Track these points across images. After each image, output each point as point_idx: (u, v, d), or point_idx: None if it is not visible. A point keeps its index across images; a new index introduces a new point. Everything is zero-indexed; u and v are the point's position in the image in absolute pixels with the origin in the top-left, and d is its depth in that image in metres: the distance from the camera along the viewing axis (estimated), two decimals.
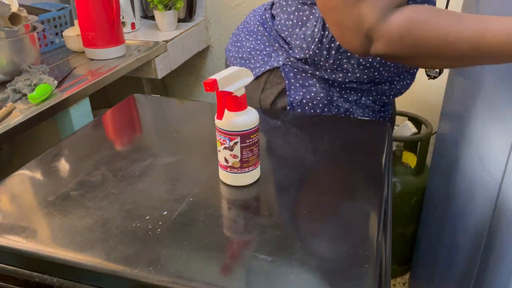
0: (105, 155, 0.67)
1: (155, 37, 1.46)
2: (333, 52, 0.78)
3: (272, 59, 0.87)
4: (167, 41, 1.42)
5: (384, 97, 0.87)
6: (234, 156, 0.56)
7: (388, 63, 0.80)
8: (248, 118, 0.55)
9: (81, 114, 1.06)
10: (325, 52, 0.79)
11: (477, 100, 0.83)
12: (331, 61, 0.80)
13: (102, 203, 0.55)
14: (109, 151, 0.68)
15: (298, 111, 0.84)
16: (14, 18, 1.01)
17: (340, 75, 0.81)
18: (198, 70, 1.81)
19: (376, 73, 0.81)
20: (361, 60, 0.79)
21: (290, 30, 0.82)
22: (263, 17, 0.90)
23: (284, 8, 0.83)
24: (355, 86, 0.83)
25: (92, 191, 0.57)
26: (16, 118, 0.89)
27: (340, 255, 0.46)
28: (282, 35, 0.85)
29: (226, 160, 0.57)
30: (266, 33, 0.88)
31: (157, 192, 0.57)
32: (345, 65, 0.80)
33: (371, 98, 0.85)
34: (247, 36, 0.92)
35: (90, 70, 1.17)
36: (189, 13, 1.61)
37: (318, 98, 0.83)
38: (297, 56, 0.82)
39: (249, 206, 0.55)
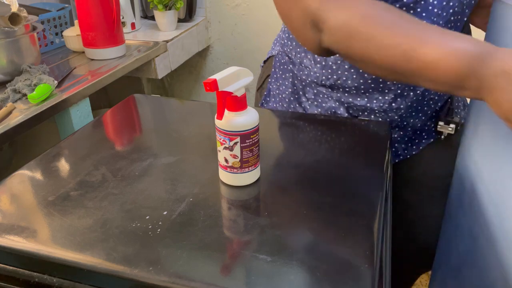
0: (105, 155, 0.67)
1: (155, 37, 1.46)
2: (294, 43, 0.80)
3: (273, 47, 0.92)
4: (167, 41, 1.42)
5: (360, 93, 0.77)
6: (234, 156, 0.56)
7: (346, 66, 0.73)
8: (248, 118, 0.55)
9: (81, 114, 1.06)
10: (289, 42, 0.82)
11: None
12: (294, 53, 0.81)
13: (102, 203, 0.55)
14: (109, 151, 0.68)
15: (272, 100, 0.88)
16: (14, 18, 1.01)
17: (303, 72, 0.80)
18: (198, 70, 1.81)
19: (334, 76, 0.75)
20: (316, 56, 0.75)
21: (284, 26, 0.87)
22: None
23: None
24: (323, 90, 0.79)
25: (92, 191, 0.57)
26: (16, 118, 0.89)
27: (340, 255, 0.46)
28: (283, 28, 0.89)
29: (226, 160, 0.57)
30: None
31: (157, 192, 0.57)
32: (304, 60, 0.79)
33: (342, 108, 0.80)
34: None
35: (90, 70, 1.17)
36: (189, 13, 1.61)
37: (287, 92, 0.86)
38: (285, 49, 0.85)
39: (249, 206, 0.55)
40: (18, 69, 1.05)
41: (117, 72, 1.18)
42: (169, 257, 0.46)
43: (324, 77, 0.77)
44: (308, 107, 0.83)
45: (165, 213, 0.53)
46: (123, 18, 1.49)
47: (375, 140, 0.71)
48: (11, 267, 0.49)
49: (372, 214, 0.53)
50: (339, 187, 0.59)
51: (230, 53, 1.72)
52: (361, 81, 0.74)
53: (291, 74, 0.84)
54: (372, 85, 0.75)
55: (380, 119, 0.80)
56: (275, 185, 0.60)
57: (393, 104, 0.77)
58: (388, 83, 0.74)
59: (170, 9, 1.51)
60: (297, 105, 0.85)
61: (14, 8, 1.01)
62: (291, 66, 0.83)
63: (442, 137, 0.86)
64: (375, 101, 0.77)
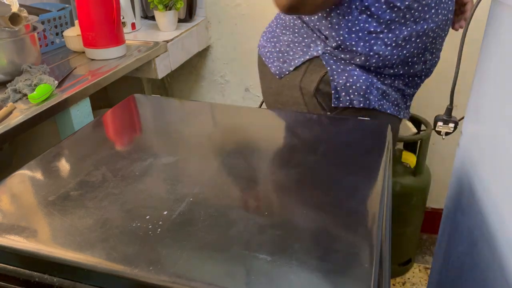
0: (105, 155, 0.67)
1: (155, 37, 1.46)
2: (360, 34, 0.83)
3: (312, 49, 0.91)
4: (167, 41, 1.42)
5: (416, 79, 0.93)
6: None
7: (413, 39, 0.84)
8: None
9: (81, 114, 1.06)
10: (353, 35, 0.84)
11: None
12: (361, 44, 0.84)
13: (102, 203, 0.55)
14: (109, 151, 0.68)
15: (342, 95, 0.89)
16: (14, 18, 1.01)
17: (374, 60, 0.86)
18: (198, 70, 1.81)
19: (404, 51, 0.85)
20: (386, 40, 0.83)
21: (318, 23, 0.88)
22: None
23: None
24: (390, 72, 0.89)
25: (92, 191, 0.57)
26: (16, 118, 0.89)
27: (340, 255, 0.46)
28: (316, 26, 0.89)
29: None
30: (304, 25, 0.93)
31: (157, 192, 0.57)
32: (375, 47, 0.84)
33: (401, 82, 0.92)
34: (284, 31, 0.97)
35: (91, 70, 1.17)
36: (189, 13, 1.61)
37: (361, 81, 0.88)
38: (333, 45, 0.87)
39: (249, 206, 0.55)
40: (18, 69, 1.05)
41: (117, 72, 1.18)
42: (169, 257, 0.46)
43: (395, 57, 0.86)
44: (378, 86, 0.90)
45: (165, 213, 0.53)
46: (123, 18, 1.48)
47: (375, 140, 0.71)
48: (11, 267, 0.49)
49: (372, 214, 0.53)
50: (339, 187, 0.59)
51: (230, 53, 1.72)
52: (421, 46, 0.88)
53: (354, 65, 0.88)
54: (423, 46, 0.88)
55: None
56: (275, 185, 0.60)
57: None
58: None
59: (170, 9, 1.51)
60: (372, 88, 0.89)
61: (15, 8, 1.02)
62: (353, 60, 0.88)
63: (443, 137, 0.89)
64: (427, 62, 0.92)
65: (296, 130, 0.77)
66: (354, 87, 0.88)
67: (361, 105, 0.89)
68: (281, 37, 0.97)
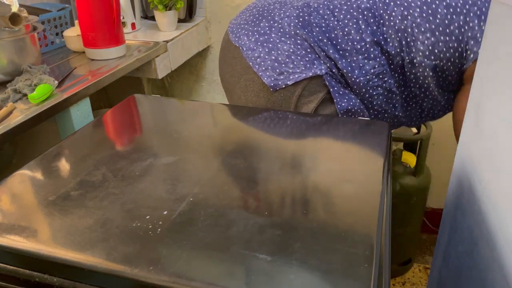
0: (105, 155, 0.67)
1: (155, 37, 1.46)
2: (364, 73, 0.87)
3: (315, 66, 0.85)
4: (167, 41, 1.42)
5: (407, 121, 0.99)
6: None
7: (403, 96, 0.90)
8: None
9: (81, 114, 1.06)
10: (357, 71, 0.87)
11: None
12: (363, 79, 0.87)
13: (102, 203, 0.55)
14: (109, 151, 0.68)
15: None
16: (14, 18, 1.01)
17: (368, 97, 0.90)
18: (198, 70, 1.81)
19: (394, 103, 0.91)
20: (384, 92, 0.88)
21: (347, 36, 0.85)
22: (304, 19, 0.87)
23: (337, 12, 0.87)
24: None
25: (93, 191, 0.57)
26: (17, 118, 0.89)
27: (340, 255, 0.46)
28: (334, 41, 0.85)
29: None
30: (310, 40, 0.86)
31: (157, 192, 0.57)
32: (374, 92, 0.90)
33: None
34: (282, 38, 0.88)
35: (91, 70, 1.17)
36: (189, 13, 1.61)
37: (357, 104, 0.89)
38: (326, 67, 0.86)
39: (249, 206, 0.55)
40: (18, 69, 1.05)
41: (118, 72, 1.18)
42: (169, 257, 0.46)
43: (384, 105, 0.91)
44: (375, 108, 0.93)
45: (165, 213, 0.53)
46: (123, 18, 1.49)
47: (375, 140, 0.71)
48: (11, 267, 0.49)
49: (372, 214, 0.53)
50: (338, 187, 0.59)
51: None
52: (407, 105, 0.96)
53: (349, 89, 0.90)
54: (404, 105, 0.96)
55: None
56: (275, 185, 0.60)
57: None
58: None
59: (170, 9, 1.51)
60: (371, 110, 0.93)
61: (15, 8, 1.02)
62: (349, 86, 0.89)
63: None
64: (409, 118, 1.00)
65: (296, 130, 0.77)
66: (353, 110, 0.88)
67: None
68: (279, 45, 0.88)
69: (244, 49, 0.91)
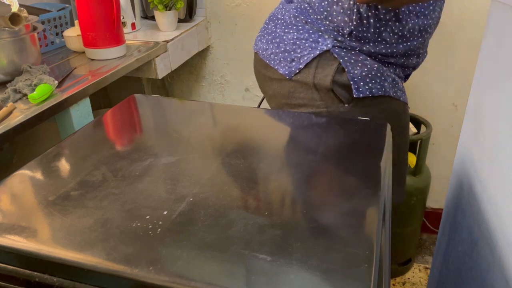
0: (105, 155, 0.67)
1: (155, 37, 1.46)
2: (371, 21, 0.86)
3: (320, 43, 0.90)
4: (167, 41, 1.42)
5: (406, 70, 0.97)
6: None
7: (416, 32, 0.88)
8: None
9: (81, 114, 1.06)
10: (365, 21, 0.86)
11: None
12: (372, 30, 0.87)
13: (102, 203, 0.55)
14: (109, 151, 0.68)
15: (360, 85, 0.89)
16: (14, 18, 1.01)
17: (382, 46, 0.89)
18: (198, 70, 1.81)
19: (408, 43, 0.89)
20: (394, 28, 0.87)
21: (328, 9, 0.88)
22: (299, 8, 0.94)
23: None
24: (392, 61, 0.92)
25: (92, 191, 0.57)
26: (17, 118, 0.89)
27: (340, 255, 0.46)
28: (322, 16, 0.89)
29: None
30: (308, 21, 0.92)
31: (157, 192, 0.57)
32: (383, 34, 0.87)
33: (398, 72, 0.96)
34: (286, 30, 0.95)
35: (91, 70, 1.17)
36: (189, 13, 1.61)
37: (375, 69, 0.89)
38: (345, 31, 0.88)
39: (249, 206, 0.55)
40: (18, 69, 1.05)
41: (118, 72, 1.18)
42: (169, 257, 0.46)
43: (401, 46, 0.89)
44: (388, 74, 0.92)
45: (165, 213, 0.53)
46: (123, 18, 1.49)
47: (374, 140, 0.71)
48: (11, 267, 0.49)
49: (372, 214, 0.53)
50: (338, 187, 0.59)
51: (230, 53, 1.72)
52: (421, 41, 0.92)
53: (364, 55, 0.90)
54: (419, 44, 0.93)
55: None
56: (275, 185, 0.60)
57: None
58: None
59: (170, 9, 1.51)
60: (385, 76, 0.91)
61: (15, 8, 1.02)
62: (364, 47, 0.89)
63: None
64: (420, 55, 0.96)
65: (296, 130, 0.77)
66: (370, 75, 0.89)
67: (380, 92, 0.90)
68: (284, 37, 0.95)
69: (260, 51, 1.01)
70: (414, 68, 0.99)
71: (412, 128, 1.41)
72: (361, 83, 0.89)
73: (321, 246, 0.48)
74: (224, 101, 1.84)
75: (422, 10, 0.87)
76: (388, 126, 0.76)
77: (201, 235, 0.49)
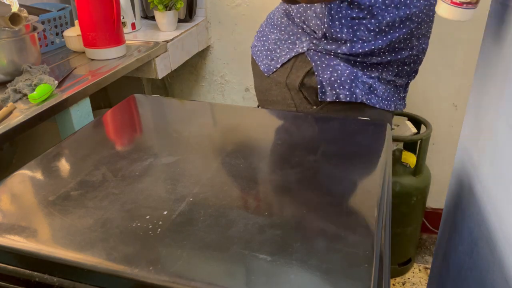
0: (105, 155, 0.67)
1: (155, 37, 1.46)
2: (343, 21, 0.86)
3: (297, 46, 0.94)
4: (167, 41, 1.42)
5: (405, 67, 0.94)
6: None
7: (396, 24, 0.86)
8: None
9: (81, 114, 1.06)
10: (337, 22, 0.86)
11: None
12: (345, 30, 0.87)
13: (102, 203, 0.55)
14: (109, 151, 0.68)
15: (327, 89, 0.90)
16: (14, 18, 1.01)
17: (359, 46, 0.88)
18: (198, 70, 1.81)
19: (389, 37, 0.87)
20: (369, 25, 0.86)
21: (304, 14, 0.91)
22: (286, 10, 0.98)
23: None
24: (375, 61, 0.90)
25: (92, 191, 0.57)
26: (17, 118, 0.89)
27: (340, 255, 0.46)
28: (300, 20, 0.93)
29: None
30: (290, 23, 0.96)
31: (157, 192, 0.57)
32: (358, 33, 0.87)
33: (391, 72, 0.93)
34: (272, 29, 1.00)
35: (91, 70, 1.17)
36: (189, 14, 1.61)
37: (345, 74, 0.90)
38: (319, 34, 0.89)
39: (249, 206, 0.55)
40: (18, 69, 1.05)
41: (118, 72, 1.18)
42: (169, 257, 0.46)
43: (380, 41, 0.88)
44: (364, 80, 0.91)
45: (165, 213, 0.53)
46: (123, 18, 1.49)
47: (374, 140, 0.71)
48: (11, 267, 0.49)
49: (372, 214, 0.53)
50: (338, 187, 0.59)
51: (230, 53, 1.72)
52: (407, 30, 0.89)
53: (338, 59, 0.90)
54: (408, 31, 0.89)
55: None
56: (275, 185, 0.60)
57: None
58: None
59: (170, 9, 1.51)
60: (357, 82, 0.91)
61: (15, 8, 1.02)
62: (339, 50, 0.89)
63: None
64: (414, 47, 0.93)
65: (296, 130, 0.77)
66: (339, 81, 0.90)
67: (348, 99, 0.91)
68: (269, 36, 1.00)
69: (252, 48, 1.06)
70: (413, 63, 0.95)
71: (412, 128, 1.41)
72: (328, 88, 0.90)
73: (321, 246, 0.48)
74: (224, 101, 1.84)
75: (402, 0, 0.84)
76: (388, 126, 0.76)
77: (201, 235, 0.49)
